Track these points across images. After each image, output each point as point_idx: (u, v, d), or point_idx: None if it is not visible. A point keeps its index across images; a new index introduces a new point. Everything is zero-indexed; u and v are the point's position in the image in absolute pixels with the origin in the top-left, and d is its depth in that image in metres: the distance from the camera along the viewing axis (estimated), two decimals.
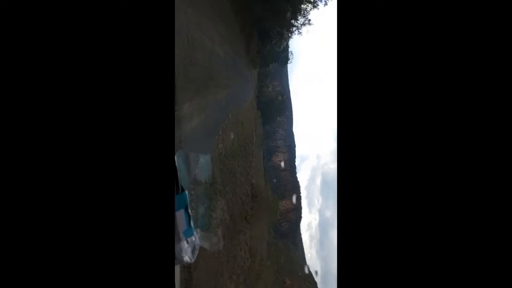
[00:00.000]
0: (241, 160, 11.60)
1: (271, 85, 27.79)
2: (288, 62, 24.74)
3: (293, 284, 19.13)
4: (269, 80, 27.16)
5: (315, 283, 22.05)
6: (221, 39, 9.77)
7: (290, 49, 23.59)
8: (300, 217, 27.56)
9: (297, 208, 27.46)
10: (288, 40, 20.98)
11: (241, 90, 14.53)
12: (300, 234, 27.55)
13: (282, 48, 21.00)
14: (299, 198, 28.84)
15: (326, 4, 16.20)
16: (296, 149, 31.36)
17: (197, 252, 0.89)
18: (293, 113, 31.65)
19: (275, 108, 23.97)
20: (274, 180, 25.40)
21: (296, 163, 30.81)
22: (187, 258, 0.83)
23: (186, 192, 0.86)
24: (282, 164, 28.26)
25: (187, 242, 0.84)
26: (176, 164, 0.78)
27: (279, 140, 29.75)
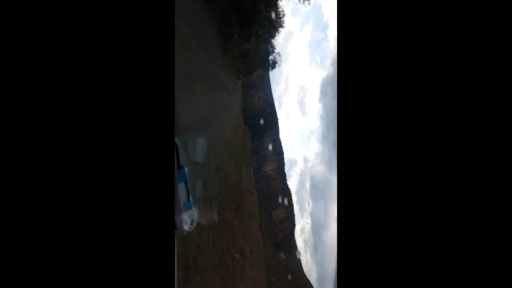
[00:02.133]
0: None
1: (256, 95, 26.99)
2: (276, 65, 19.49)
3: None
4: (254, 90, 26.09)
5: None
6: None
7: (276, 50, 18.72)
8: (294, 225, 27.52)
9: (290, 216, 27.41)
10: (279, 28, 16.13)
11: (217, 110, 10.77)
12: (295, 241, 27.48)
13: (272, 40, 16.64)
14: (291, 206, 28.83)
15: None
16: (284, 156, 31.46)
17: (195, 223, 0.97)
18: (278, 120, 31.69)
19: (265, 121, 21.09)
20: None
21: (285, 170, 30.84)
22: (186, 227, 0.91)
23: (186, 169, 0.95)
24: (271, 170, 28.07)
25: (186, 214, 0.93)
26: (177, 144, 0.84)
27: (267, 150, 29.66)
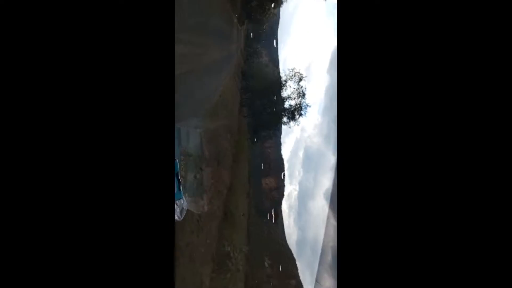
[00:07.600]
0: None
1: (263, 52, 19.44)
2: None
3: (273, 264, 19.84)
4: (260, 47, 19.05)
5: (294, 260, 23.16)
6: None
7: None
8: (282, 196, 27.82)
9: (280, 187, 27.57)
10: None
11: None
12: (281, 211, 28.02)
13: None
14: (282, 176, 28.83)
15: None
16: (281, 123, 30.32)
17: (184, 213, 1.12)
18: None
19: (280, 110, 12.44)
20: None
21: (281, 136, 30.03)
22: (176, 217, 1.07)
23: (177, 160, 1.11)
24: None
25: (177, 204, 1.11)
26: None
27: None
